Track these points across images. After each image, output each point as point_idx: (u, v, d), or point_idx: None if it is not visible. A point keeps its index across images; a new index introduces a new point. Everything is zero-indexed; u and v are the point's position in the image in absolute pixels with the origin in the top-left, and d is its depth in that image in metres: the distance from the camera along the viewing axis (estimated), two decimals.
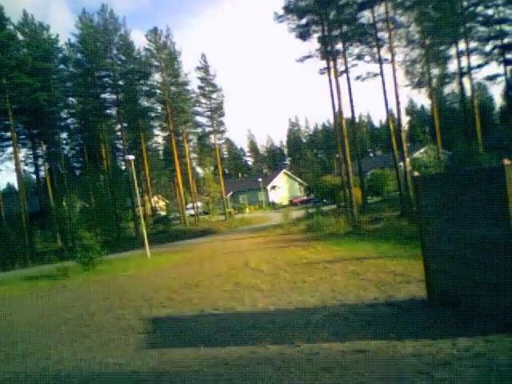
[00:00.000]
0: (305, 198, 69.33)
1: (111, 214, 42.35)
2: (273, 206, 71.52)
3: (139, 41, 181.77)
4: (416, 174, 8.88)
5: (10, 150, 57.81)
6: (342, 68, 36.30)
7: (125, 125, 49.91)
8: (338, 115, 32.49)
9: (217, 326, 9.51)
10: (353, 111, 38.92)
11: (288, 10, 30.68)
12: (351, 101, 36.84)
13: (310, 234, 25.92)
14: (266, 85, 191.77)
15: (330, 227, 25.82)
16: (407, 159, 30.91)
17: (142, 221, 31.37)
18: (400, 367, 5.78)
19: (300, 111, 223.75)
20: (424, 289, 8.90)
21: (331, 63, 32.80)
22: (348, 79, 36.55)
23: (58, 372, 8.05)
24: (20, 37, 43.35)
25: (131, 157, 28.74)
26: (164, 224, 46.16)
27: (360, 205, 34.35)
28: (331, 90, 32.47)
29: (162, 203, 74.97)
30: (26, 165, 60.83)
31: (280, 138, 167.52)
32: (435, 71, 39.01)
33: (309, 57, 35.50)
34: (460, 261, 7.36)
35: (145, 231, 28.62)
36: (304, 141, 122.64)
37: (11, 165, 58.45)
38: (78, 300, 15.56)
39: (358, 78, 37.38)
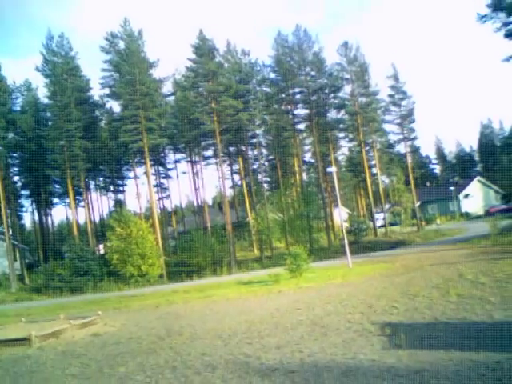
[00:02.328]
0: (503, 206, 63.69)
1: (304, 226, 44.14)
2: (466, 216, 66.99)
3: None
4: None
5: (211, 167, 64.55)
6: None
7: (312, 139, 51.89)
8: None
9: (458, 333, 9.73)
10: None
11: (495, 7, 28.79)
12: None
13: None
14: (450, 87, 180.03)
15: None
16: None
17: (345, 234, 32.21)
18: None
19: (493, 113, 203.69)
20: None
21: None
22: None
23: (316, 363, 9.08)
24: (225, 64, 48.44)
25: (333, 169, 29.80)
26: (355, 235, 46.65)
27: None
28: None
29: (344, 214, 75.46)
30: (223, 181, 67.21)
31: (469, 143, 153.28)
32: None
33: None
34: None
35: (346, 242, 29.46)
36: (498, 144, 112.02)
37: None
38: (300, 303, 16.83)
39: None
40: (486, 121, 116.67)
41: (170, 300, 23.86)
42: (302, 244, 40.98)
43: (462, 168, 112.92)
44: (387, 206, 68.09)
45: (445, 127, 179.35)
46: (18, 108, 56.98)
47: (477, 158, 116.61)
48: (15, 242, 49.39)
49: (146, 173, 48.11)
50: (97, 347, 13.90)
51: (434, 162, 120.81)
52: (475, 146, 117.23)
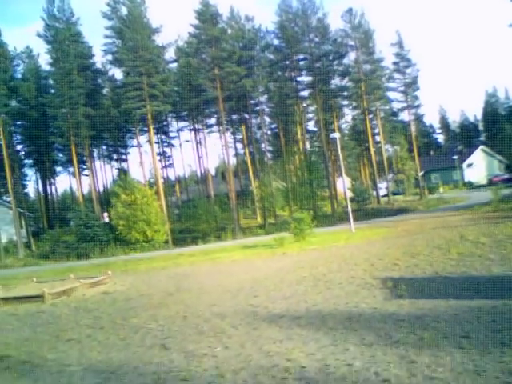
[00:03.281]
0: (507, 176, 63.72)
1: (308, 193, 44.39)
2: (469, 185, 67.07)
3: None
4: None
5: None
6: None
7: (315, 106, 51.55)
8: None
9: (457, 285, 10.13)
10: None
11: None
12: None
13: None
14: (455, 55, 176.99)
15: None
16: None
17: (348, 200, 32.64)
18: None
19: (498, 81, 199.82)
20: None
21: None
22: None
23: (320, 311, 9.51)
24: (228, 30, 47.89)
25: (337, 135, 29.89)
26: (358, 202, 47.05)
27: None
28: None
29: (347, 183, 75.43)
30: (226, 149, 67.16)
31: (473, 112, 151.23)
32: None
33: None
34: None
35: (350, 208, 29.84)
36: (503, 113, 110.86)
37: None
38: (304, 263, 17.29)
39: None
40: (491, 89, 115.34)
41: (176, 262, 24.37)
42: (305, 211, 41.42)
43: (465, 137, 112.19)
44: (390, 176, 68.16)
45: (449, 96, 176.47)
46: (20, 75, 56.67)
47: (481, 128, 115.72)
48: (21, 210, 49.87)
49: (149, 140, 48.24)
50: (108, 303, 14.40)
51: (438, 131, 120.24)
52: (479, 116, 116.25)
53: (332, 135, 33.69)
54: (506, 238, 15.76)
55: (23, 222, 50.98)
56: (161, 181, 48.29)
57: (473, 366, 5.58)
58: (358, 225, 30.33)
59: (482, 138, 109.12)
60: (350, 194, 47.82)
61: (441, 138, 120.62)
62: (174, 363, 7.25)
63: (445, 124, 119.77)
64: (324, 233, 29.67)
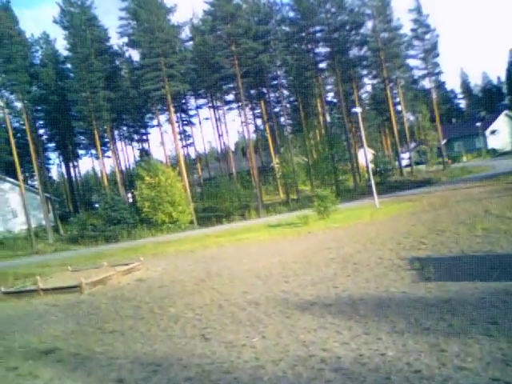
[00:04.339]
0: None
1: (330, 168, 44.34)
2: (493, 152, 65.68)
3: None
4: None
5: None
6: None
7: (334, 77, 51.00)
8: None
9: (483, 265, 10.36)
10: None
11: None
12: None
13: None
14: (476, 12, 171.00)
15: None
16: None
17: (371, 175, 32.63)
18: None
19: None
20: None
21: None
22: None
23: (351, 297, 9.87)
24: (243, 5, 47.45)
25: (359, 109, 29.75)
26: (380, 175, 46.77)
27: None
28: None
29: (369, 155, 74.63)
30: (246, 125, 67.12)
31: (497, 74, 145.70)
32: None
33: None
34: None
35: (373, 182, 29.89)
36: None
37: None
38: (329, 243, 17.61)
39: None
40: None
41: (204, 244, 24.85)
42: (327, 186, 41.38)
43: (488, 102, 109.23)
44: (413, 145, 67.30)
45: (470, 58, 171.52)
46: (38, 61, 57.16)
47: (505, 91, 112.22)
48: (47, 195, 50.91)
49: (169, 120, 48.50)
50: (143, 291, 14.95)
51: (460, 96, 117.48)
52: (503, 78, 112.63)
53: (353, 110, 33.41)
54: None
55: (50, 207, 52.11)
56: (183, 160, 48.70)
57: (501, 356, 5.86)
58: (381, 199, 30.33)
59: (506, 102, 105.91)
60: (372, 166, 47.53)
61: (463, 104, 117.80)
62: (215, 355, 7.70)
63: (466, 89, 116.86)
64: (348, 208, 29.88)
